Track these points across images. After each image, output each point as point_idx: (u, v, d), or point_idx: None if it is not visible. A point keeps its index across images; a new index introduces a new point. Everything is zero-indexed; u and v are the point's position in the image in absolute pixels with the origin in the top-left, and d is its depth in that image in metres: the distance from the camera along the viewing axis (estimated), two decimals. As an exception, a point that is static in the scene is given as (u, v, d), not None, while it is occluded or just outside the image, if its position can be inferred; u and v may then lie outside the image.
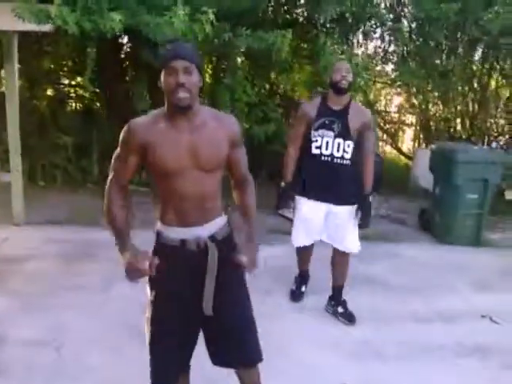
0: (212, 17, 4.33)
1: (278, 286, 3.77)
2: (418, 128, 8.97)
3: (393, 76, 7.54)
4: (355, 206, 3.16)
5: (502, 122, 8.12)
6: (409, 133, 9.40)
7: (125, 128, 1.79)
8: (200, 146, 1.76)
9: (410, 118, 9.20)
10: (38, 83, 7.06)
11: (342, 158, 3.08)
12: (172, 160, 1.75)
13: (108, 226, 1.83)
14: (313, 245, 3.43)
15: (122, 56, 7.41)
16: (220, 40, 4.86)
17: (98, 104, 7.53)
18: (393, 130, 9.25)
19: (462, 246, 5.01)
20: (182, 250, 1.83)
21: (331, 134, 3.06)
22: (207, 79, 7.56)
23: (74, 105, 7.70)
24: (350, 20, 6.58)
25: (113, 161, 1.85)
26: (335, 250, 3.31)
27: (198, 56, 1.79)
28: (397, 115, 9.45)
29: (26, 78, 7.05)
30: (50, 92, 7.51)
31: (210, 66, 7.34)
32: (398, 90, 8.51)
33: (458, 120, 8.15)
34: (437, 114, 8.36)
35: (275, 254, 4.43)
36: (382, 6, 7.01)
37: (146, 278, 1.84)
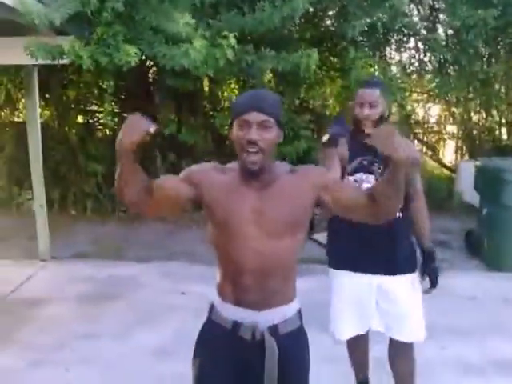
0: (233, 41, 4.14)
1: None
2: (459, 139, 8.47)
3: (430, 87, 7.13)
4: (415, 274, 2.31)
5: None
6: (450, 144, 8.89)
7: (190, 167, 1.59)
8: (267, 206, 1.46)
9: (451, 129, 8.70)
10: (66, 112, 7.07)
11: None
12: (232, 215, 1.46)
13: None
14: (367, 337, 2.50)
15: (150, 80, 7.34)
16: (242, 63, 4.66)
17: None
18: (433, 141, 8.77)
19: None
20: (232, 336, 1.51)
21: (372, 178, 2.21)
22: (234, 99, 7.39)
23: (103, 131, 7.67)
24: (380, 31, 6.27)
25: None
26: (393, 342, 2.39)
27: (279, 108, 1.50)
28: (436, 126, 8.97)
29: (55, 106, 7.09)
30: (79, 119, 7.52)
31: (236, 86, 7.17)
32: (436, 99, 8.07)
33: (504, 129, 7.63)
34: (480, 124, 7.86)
35: (307, 287, 4.11)
36: (415, 13, 6.67)
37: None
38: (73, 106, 7.20)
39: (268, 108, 1.43)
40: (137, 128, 1.34)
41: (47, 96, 6.89)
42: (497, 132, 7.73)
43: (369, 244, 2.21)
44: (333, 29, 6.54)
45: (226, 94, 7.49)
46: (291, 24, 5.09)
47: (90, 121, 7.59)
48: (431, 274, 2.28)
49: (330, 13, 6.64)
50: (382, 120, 2.17)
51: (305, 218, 1.52)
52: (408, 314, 2.29)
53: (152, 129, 1.35)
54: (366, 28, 5.82)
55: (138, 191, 1.42)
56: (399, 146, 1.34)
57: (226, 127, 7.31)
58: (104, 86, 7.15)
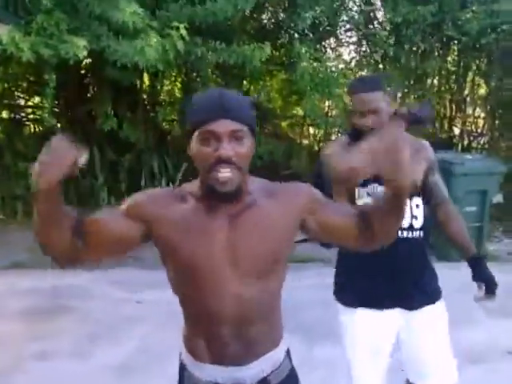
0: (184, 32, 3.94)
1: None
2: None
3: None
4: (442, 302, 1.98)
5: (481, 122, 7.97)
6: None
7: (134, 195, 1.24)
8: (242, 238, 1.16)
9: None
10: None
11: (411, 228, 1.83)
12: (199, 256, 1.16)
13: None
14: None
15: (82, 72, 6.89)
16: (192, 55, 4.45)
17: (59, 125, 6.97)
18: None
19: (463, 261, 4.74)
20: None
21: None
22: (177, 93, 7.14)
23: (32, 127, 7.11)
24: (324, 25, 6.30)
25: None
26: None
27: (252, 111, 1.18)
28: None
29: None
30: (4, 114, 6.92)
31: (179, 79, 6.91)
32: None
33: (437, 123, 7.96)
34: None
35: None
36: (356, 9, 6.75)
37: None
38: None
39: (240, 113, 1.11)
40: (62, 159, 1.01)
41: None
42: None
43: (390, 272, 1.81)
44: (275, 21, 6.47)
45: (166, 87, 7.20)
46: (241, 15, 4.93)
47: (17, 116, 7.01)
48: (488, 280, 1.94)
49: (268, 5, 6.56)
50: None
51: (288, 250, 1.24)
52: (438, 352, 1.90)
53: (83, 159, 1.03)
54: (310, 22, 5.81)
55: (67, 240, 1.12)
56: (404, 167, 1.06)
57: (168, 123, 7.05)
58: (32, 79, 6.62)
